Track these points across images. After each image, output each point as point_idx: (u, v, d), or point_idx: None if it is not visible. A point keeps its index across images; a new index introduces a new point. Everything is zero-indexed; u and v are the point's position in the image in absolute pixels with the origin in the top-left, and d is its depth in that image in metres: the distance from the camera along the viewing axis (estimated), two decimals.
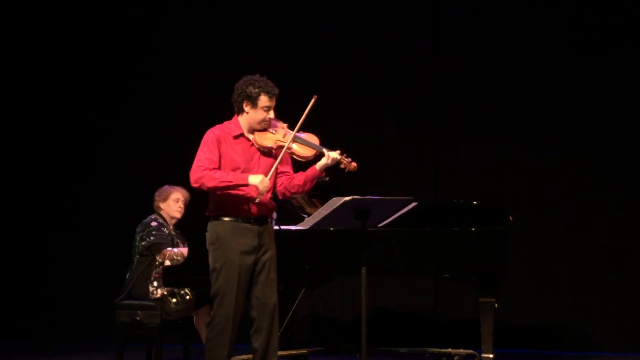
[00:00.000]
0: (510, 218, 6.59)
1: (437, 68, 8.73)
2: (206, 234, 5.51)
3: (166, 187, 6.93)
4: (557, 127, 8.50)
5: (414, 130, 8.75)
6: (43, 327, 9.11)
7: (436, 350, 7.64)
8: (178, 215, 6.86)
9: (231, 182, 5.35)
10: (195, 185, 5.39)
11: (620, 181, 8.36)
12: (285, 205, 6.56)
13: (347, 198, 5.29)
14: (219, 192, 5.40)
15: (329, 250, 6.24)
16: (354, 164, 5.45)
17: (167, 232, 6.75)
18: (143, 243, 6.67)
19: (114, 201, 9.02)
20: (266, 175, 5.38)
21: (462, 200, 6.96)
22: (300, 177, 5.52)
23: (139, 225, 6.78)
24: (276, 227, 6.26)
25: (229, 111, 5.59)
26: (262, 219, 5.49)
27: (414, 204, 5.67)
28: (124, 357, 6.70)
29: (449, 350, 7.45)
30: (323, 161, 5.43)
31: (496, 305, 6.37)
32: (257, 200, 5.34)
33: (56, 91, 9.31)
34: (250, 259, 5.43)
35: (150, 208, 6.91)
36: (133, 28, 9.27)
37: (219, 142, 5.46)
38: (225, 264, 5.42)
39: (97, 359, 8.06)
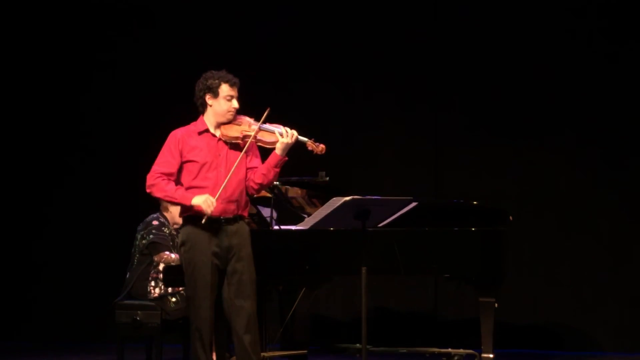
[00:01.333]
0: (510, 218, 6.59)
1: (437, 68, 8.73)
2: (179, 235, 5.53)
3: None
4: (558, 127, 8.50)
5: (414, 130, 8.75)
6: (43, 327, 9.11)
7: (436, 350, 7.63)
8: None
9: (174, 199, 5.40)
10: (147, 191, 5.46)
11: (620, 181, 8.37)
12: (285, 205, 6.56)
13: (347, 198, 5.29)
14: (191, 184, 5.40)
15: (329, 250, 6.23)
16: (322, 146, 5.45)
17: (167, 232, 6.74)
18: (144, 242, 6.68)
19: (114, 201, 9.01)
20: (230, 170, 5.34)
21: (462, 200, 6.97)
22: (263, 166, 5.50)
23: (141, 224, 6.78)
24: (276, 227, 6.26)
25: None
26: (233, 219, 5.45)
27: (414, 204, 5.66)
28: (124, 357, 6.70)
29: (449, 350, 7.44)
30: (281, 141, 5.39)
31: (496, 305, 6.37)
32: (203, 222, 5.30)
33: (54, 86, 9.31)
34: (220, 261, 5.40)
35: (150, 207, 6.91)
36: (125, 21, 9.26)
37: (182, 143, 5.45)
38: (196, 266, 5.39)
39: (97, 359, 8.06)
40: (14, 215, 9.30)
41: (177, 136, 5.49)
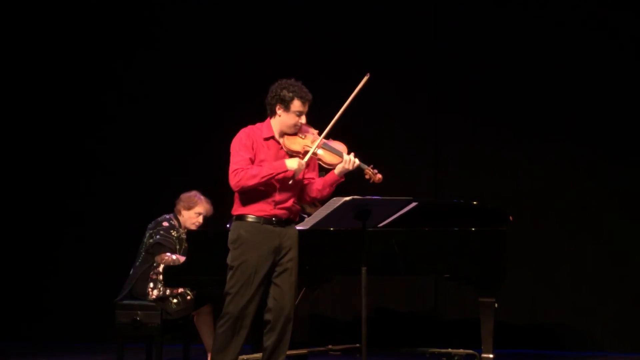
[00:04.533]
0: (510, 218, 6.59)
1: (437, 68, 8.73)
2: (229, 232, 5.54)
3: (195, 193, 6.87)
4: (558, 127, 8.50)
5: (414, 130, 8.75)
6: (43, 327, 9.11)
7: (436, 350, 7.63)
8: (194, 228, 6.81)
9: (271, 174, 5.38)
10: (236, 189, 5.44)
11: (620, 181, 8.37)
12: None
13: (347, 198, 5.29)
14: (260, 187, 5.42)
15: (329, 250, 6.24)
16: (379, 176, 5.47)
17: (175, 235, 6.73)
18: (151, 240, 6.68)
19: (115, 201, 9.02)
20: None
21: (462, 200, 6.97)
22: (319, 182, 5.57)
23: (152, 222, 6.78)
24: None
25: (243, 111, 5.59)
26: (285, 222, 5.51)
27: (414, 204, 5.67)
28: (124, 357, 6.70)
29: (449, 350, 7.45)
30: (341, 165, 5.45)
31: (496, 305, 6.37)
32: (291, 182, 5.36)
33: (61, 89, 9.30)
34: (269, 261, 5.45)
35: (151, 209, 6.91)
36: (139, 26, 9.26)
37: (252, 139, 5.49)
38: (242, 263, 5.44)
39: (97, 359, 8.05)
40: (13, 217, 9.29)
41: (247, 134, 5.50)
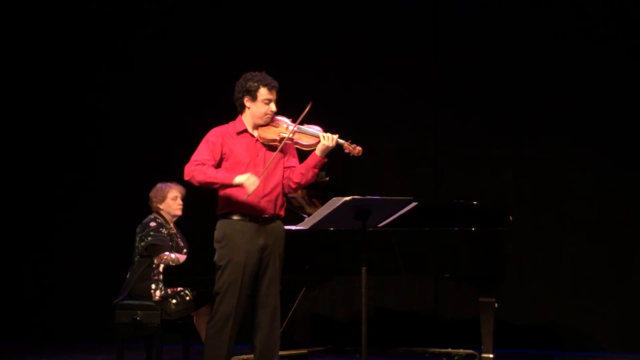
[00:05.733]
0: (510, 218, 6.59)
1: (437, 68, 8.73)
2: (214, 232, 5.54)
3: (160, 185, 6.87)
4: (558, 127, 8.50)
5: (414, 130, 8.75)
6: (43, 327, 9.11)
7: (436, 350, 7.64)
8: (179, 212, 6.83)
9: (216, 179, 5.39)
10: (186, 178, 5.45)
11: (620, 181, 8.36)
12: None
13: (347, 198, 5.29)
14: (208, 188, 5.43)
15: (329, 250, 6.24)
16: (358, 148, 5.49)
17: (166, 232, 6.74)
18: (142, 244, 6.67)
19: (114, 201, 9.01)
20: (269, 168, 5.40)
21: (462, 200, 6.97)
22: (302, 166, 5.55)
23: (139, 226, 6.78)
24: None
25: (230, 109, 5.61)
26: (270, 218, 5.51)
27: (414, 204, 5.66)
28: (124, 357, 6.70)
29: (449, 350, 7.45)
30: (322, 144, 5.45)
31: (496, 305, 6.37)
32: (245, 198, 5.34)
33: (56, 87, 9.30)
34: (255, 259, 5.46)
35: (150, 208, 6.91)
36: (130, 22, 9.26)
37: (221, 140, 5.49)
38: (230, 262, 5.45)
39: (97, 359, 8.05)
40: (13, 217, 9.29)
41: (218, 133, 5.53)
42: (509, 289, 6.94)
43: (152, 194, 6.88)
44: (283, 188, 5.58)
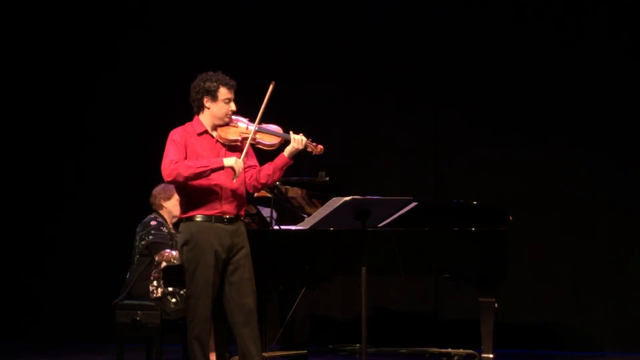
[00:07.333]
0: (510, 218, 6.58)
1: (438, 68, 8.73)
2: (178, 234, 5.53)
3: (166, 184, 6.88)
4: (557, 127, 8.50)
5: (414, 130, 8.75)
6: (43, 327, 9.11)
7: (436, 350, 7.64)
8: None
9: (207, 166, 5.34)
10: (169, 179, 5.37)
11: (620, 181, 8.36)
12: (285, 205, 6.56)
13: (347, 198, 5.28)
14: (195, 182, 5.38)
15: (329, 250, 6.24)
16: (320, 147, 5.50)
17: (166, 231, 6.74)
18: (142, 242, 6.67)
19: (114, 200, 9.02)
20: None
21: (462, 200, 6.96)
22: (268, 167, 5.53)
23: (139, 225, 6.78)
24: (276, 227, 6.26)
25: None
26: (234, 218, 5.48)
27: (414, 204, 5.66)
28: (124, 357, 6.70)
29: (449, 350, 7.45)
30: (291, 146, 5.45)
31: (496, 305, 6.37)
32: (234, 180, 5.35)
33: (57, 86, 9.31)
34: (223, 258, 5.43)
35: (150, 207, 6.90)
36: (121, 21, 9.27)
37: (185, 141, 5.46)
38: (199, 264, 5.41)
39: (97, 359, 8.05)
40: (13, 216, 9.29)
41: (179, 133, 5.50)
42: (509, 289, 6.92)
43: (156, 191, 6.87)
44: (246, 188, 5.57)
